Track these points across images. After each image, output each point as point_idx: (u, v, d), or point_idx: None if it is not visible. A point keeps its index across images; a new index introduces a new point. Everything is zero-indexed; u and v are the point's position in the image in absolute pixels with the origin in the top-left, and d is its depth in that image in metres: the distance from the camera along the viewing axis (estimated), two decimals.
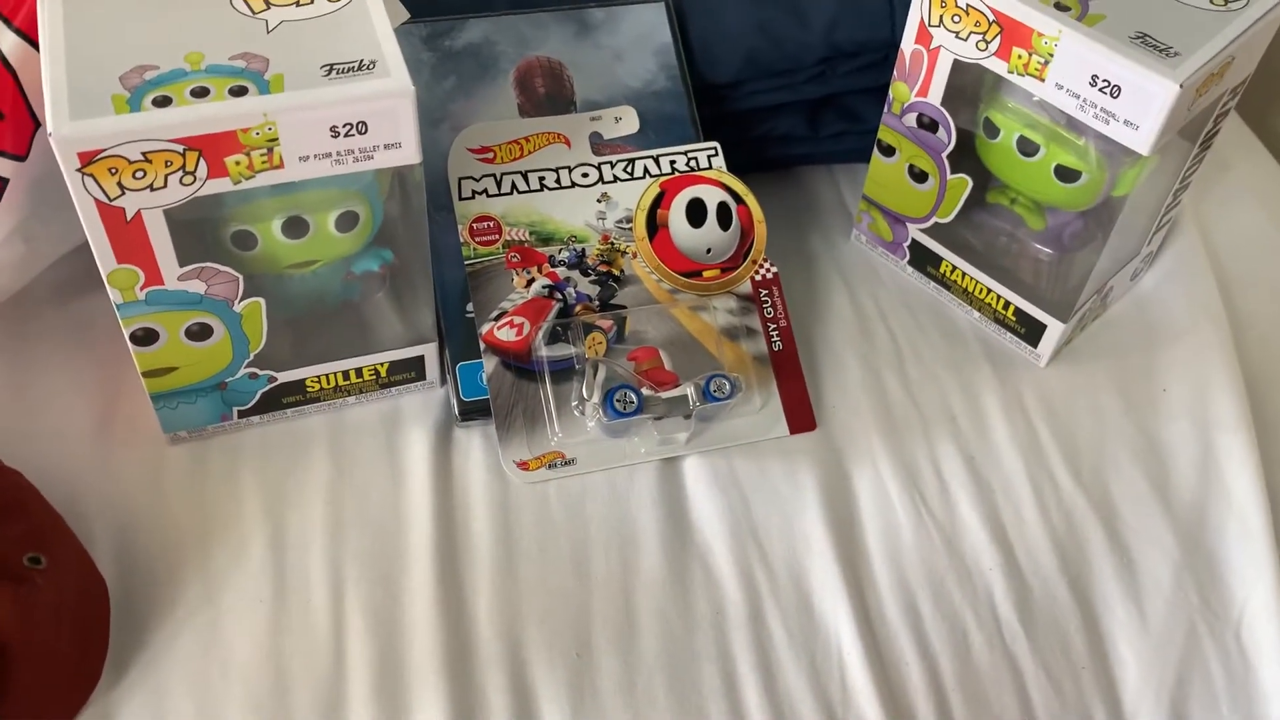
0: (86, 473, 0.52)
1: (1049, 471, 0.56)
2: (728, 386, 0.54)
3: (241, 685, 0.47)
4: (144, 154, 0.42)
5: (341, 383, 0.54)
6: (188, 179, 0.43)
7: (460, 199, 0.56)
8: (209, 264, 0.47)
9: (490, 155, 0.58)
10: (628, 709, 0.48)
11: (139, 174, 0.42)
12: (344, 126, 0.44)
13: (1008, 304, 0.61)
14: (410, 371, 0.55)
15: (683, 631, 0.50)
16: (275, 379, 0.53)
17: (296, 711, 0.46)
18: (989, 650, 0.51)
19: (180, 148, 0.42)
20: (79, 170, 0.41)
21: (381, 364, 0.54)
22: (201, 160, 0.43)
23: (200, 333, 0.49)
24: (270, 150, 0.43)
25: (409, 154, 0.46)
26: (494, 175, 0.57)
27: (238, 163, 0.43)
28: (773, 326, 0.58)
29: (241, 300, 0.48)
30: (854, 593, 0.51)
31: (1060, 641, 0.51)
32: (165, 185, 0.43)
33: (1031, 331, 0.60)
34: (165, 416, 0.52)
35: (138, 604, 0.48)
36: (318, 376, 0.53)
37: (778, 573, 0.52)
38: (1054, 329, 0.59)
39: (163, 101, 0.42)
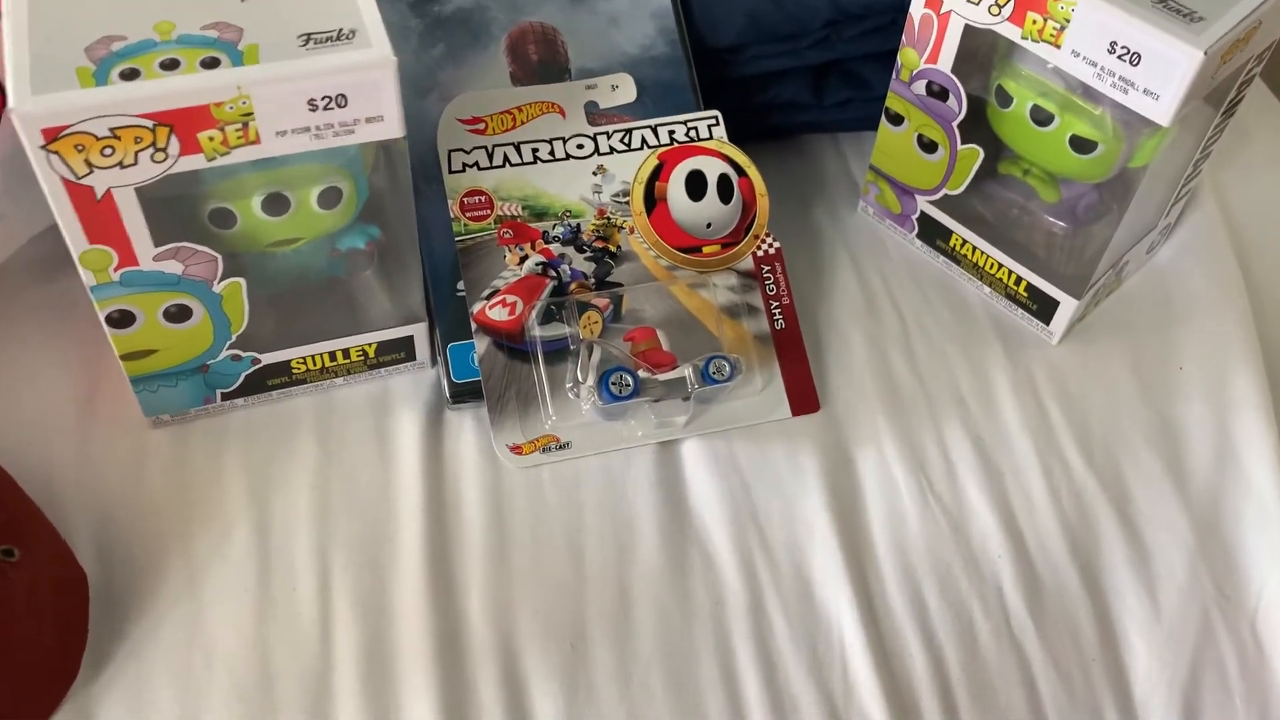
0: (65, 457, 0.50)
1: (1060, 454, 0.54)
2: (727, 368, 0.52)
3: (226, 676, 0.45)
4: (112, 130, 0.40)
5: (328, 364, 0.53)
6: (159, 156, 0.41)
7: (450, 172, 0.54)
8: (185, 243, 0.45)
9: (481, 126, 0.55)
10: (623, 702, 0.46)
11: (107, 151, 0.40)
12: (322, 99, 0.42)
13: (1019, 279, 0.59)
14: (399, 352, 0.54)
15: (680, 622, 0.48)
16: (259, 360, 0.51)
17: (282, 703, 0.45)
18: (996, 641, 0.49)
19: (150, 123, 0.40)
20: (43, 148, 0.39)
21: (369, 344, 0.53)
22: (173, 136, 0.41)
23: (179, 314, 0.47)
24: (245, 125, 0.41)
25: (392, 127, 0.44)
26: (485, 147, 0.55)
27: (211, 139, 0.41)
28: (775, 304, 0.56)
29: (221, 280, 0.47)
30: (857, 581, 0.50)
31: (1070, 631, 0.50)
32: (136, 163, 0.41)
33: (1044, 308, 0.58)
34: (146, 400, 0.50)
35: (118, 594, 0.47)
36: (304, 358, 0.52)
37: (779, 560, 0.50)
38: (1067, 305, 0.57)
39: (130, 74, 0.40)
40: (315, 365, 0.52)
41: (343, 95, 0.42)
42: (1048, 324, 0.59)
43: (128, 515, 0.49)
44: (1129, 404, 0.57)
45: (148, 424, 0.52)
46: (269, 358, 0.51)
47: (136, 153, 0.41)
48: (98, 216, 0.42)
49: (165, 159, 0.41)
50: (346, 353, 0.52)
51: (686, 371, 0.52)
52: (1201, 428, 0.56)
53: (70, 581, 0.46)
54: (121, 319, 0.46)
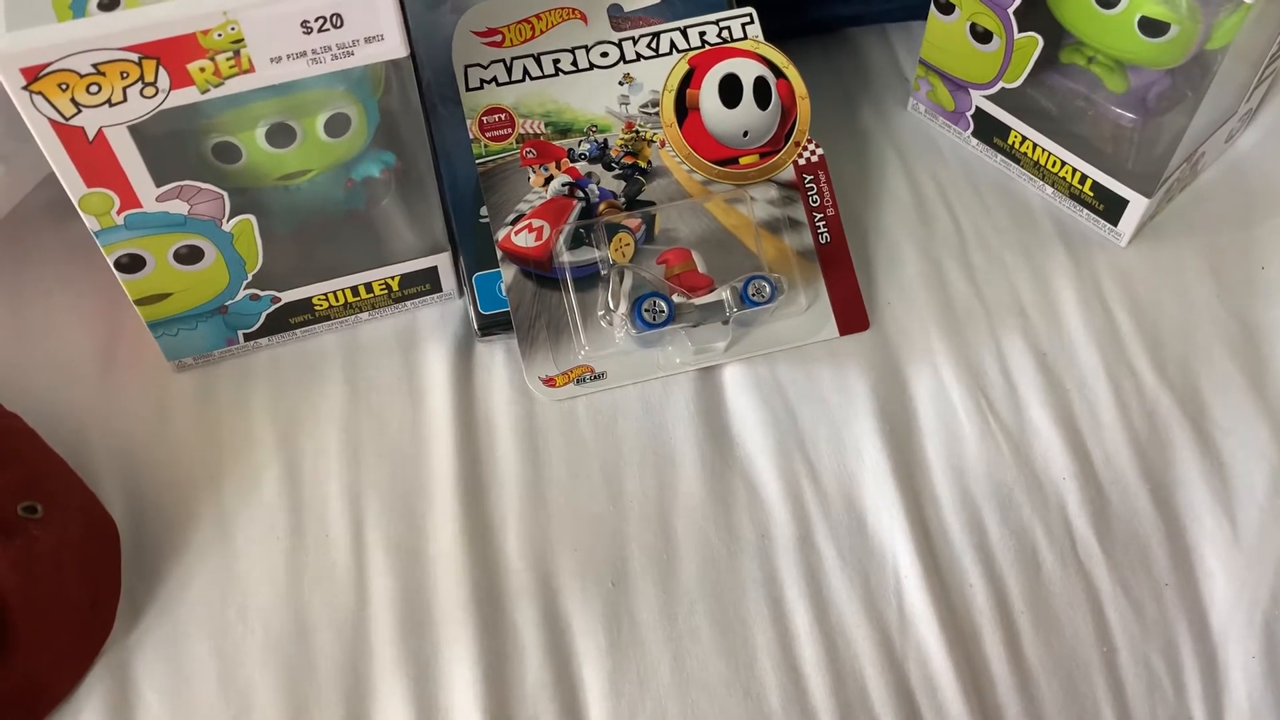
0: (89, 406, 0.49)
1: (1130, 366, 0.51)
2: (767, 289, 0.49)
3: (261, 628, 0.44)
4: (95, 66, 0.37)
5: (351, 299, 0.50)
6: (149, 91, 0.39)
7: (468, 90, 0.51)
8: (188, 182, 0.43)
9: (498, 38, 0.52)
10: (668, 640, 0.45)
11: (93, 88, 0.38)
12: (316, 21, 0.39)
13: (1084, 178, 0.54)
14: (424, 284, 0.51)
15: (725, 556, 0.46)
16: (279, 299, 0.49)
17: (319, 653, 0.44)
18: (1061, 568, 0.47)
19: (135, 56, 0.38)
20: (25, 88, 0.37)
21: (392, 277, 0.50)
22: (161, 69, 0.38)
23: (190, 256, 0.45)
24: (237, 53, 0.39)
25: (393, 47, 0.40)
26: (503, 61, 0.52)
27: (202, 69, 0.39)
28: (819, 216, 0.52)
29: (230, 218, 0.45)
30: (912, 509, 0.47)
31: (1141, 556, 0.47)
32: (125, 99, 0.39)
33: (1111, 208, 0.54)
34: (166, 344, 0.49)
35: (148, 544, 0.46)
36: (325, 294, 0.50)
37: (828, 489, 0.48)
38: (1137, 204, 0.53)
39: (110, 5, 0.37)
40: (338, 301, 0.50)
41: (338, 15, 0.39)
42: (1116, 225, 0.55)
43: (155, 462, 0.48)
44: (1205, 309, 0.53)
45: (171, 368, 0.50)
46: (289, 295, 0.49)
47: (124, 88, 0.38)
48: (92, 158, 0.40)
49: (156, 94, 0.39)
50: (369, 287, 0.50)
51: (724, 294, 0.49)
52: None
53: (101, 534, 0.45)
54: (131, 264, 0.45)
